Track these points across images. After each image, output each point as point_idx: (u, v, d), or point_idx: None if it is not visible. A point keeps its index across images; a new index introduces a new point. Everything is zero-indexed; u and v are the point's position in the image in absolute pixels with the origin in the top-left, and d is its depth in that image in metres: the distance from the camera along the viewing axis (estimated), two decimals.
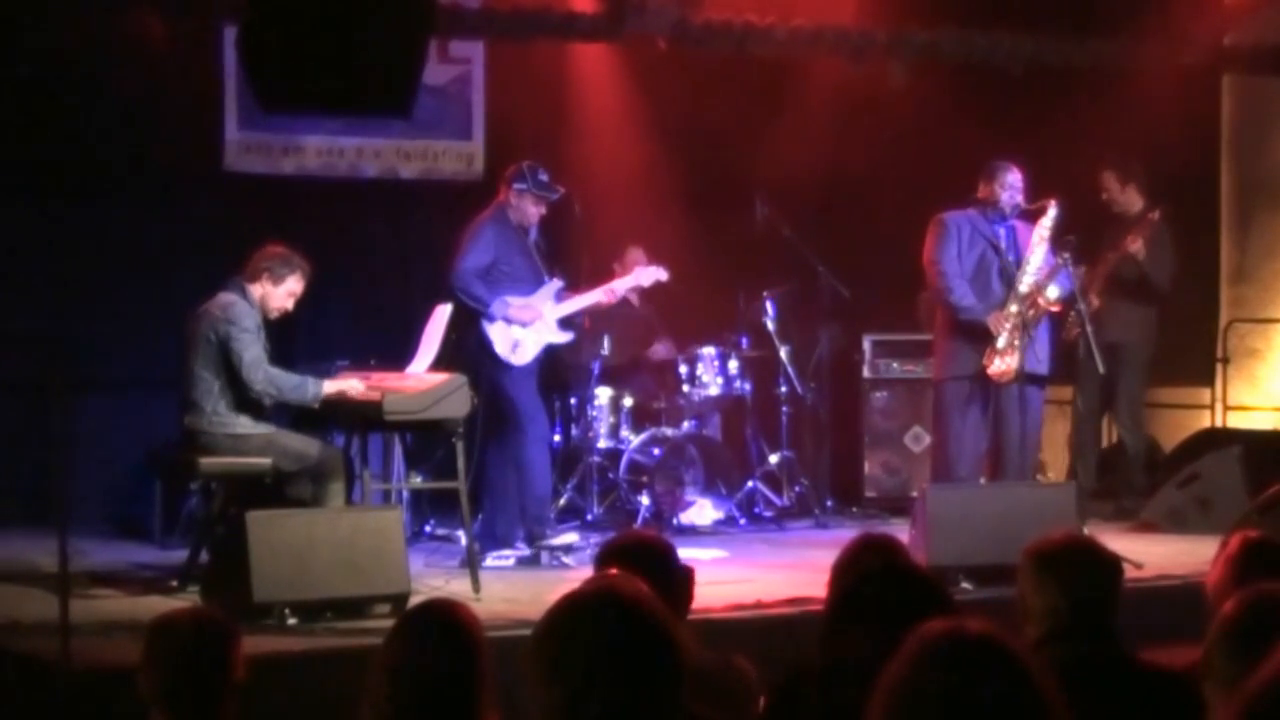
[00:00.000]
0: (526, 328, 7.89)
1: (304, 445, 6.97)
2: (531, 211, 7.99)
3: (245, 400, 6.91)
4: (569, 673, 2.34)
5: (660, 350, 9.58)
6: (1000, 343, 7.60)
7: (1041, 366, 7.78)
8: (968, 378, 7.73)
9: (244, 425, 6.88)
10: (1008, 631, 2.16)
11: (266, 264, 7.02)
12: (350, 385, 6.89)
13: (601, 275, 8.82)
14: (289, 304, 7.13)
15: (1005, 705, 2.03)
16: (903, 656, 2.09)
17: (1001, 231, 7.83)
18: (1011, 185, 7.76)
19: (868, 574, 3.18)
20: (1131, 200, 9.36)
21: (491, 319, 7.82)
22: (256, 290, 7.02)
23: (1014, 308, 7.61)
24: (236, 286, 7.00)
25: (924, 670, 2.05)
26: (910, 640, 2.10)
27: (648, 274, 8.73)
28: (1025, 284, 7.65)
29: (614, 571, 3.53)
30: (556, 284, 8.11)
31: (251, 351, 6.83)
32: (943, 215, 7.87)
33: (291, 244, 7.19)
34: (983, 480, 7.77)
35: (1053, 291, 7.63)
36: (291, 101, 5.59)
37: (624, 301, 9.61)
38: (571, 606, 2.43)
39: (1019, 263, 7.72)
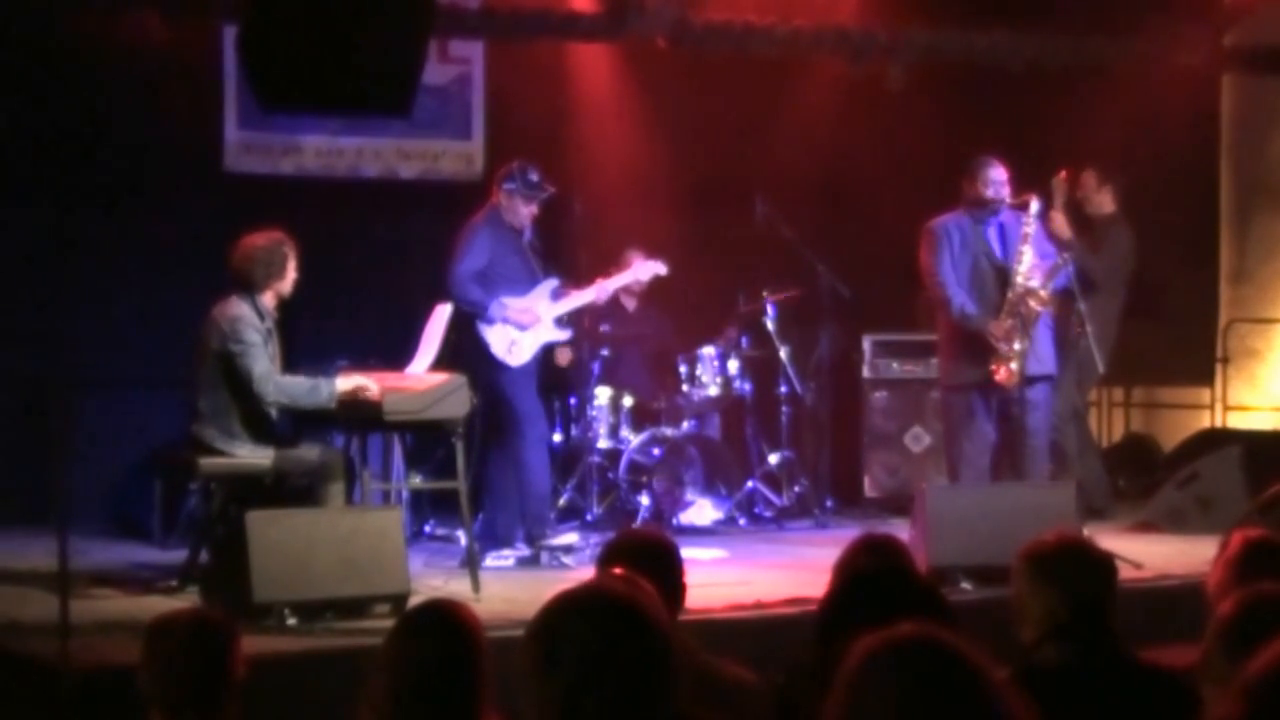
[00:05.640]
0: (524, 331, 7.88)
1: (304, 453, 6.96)
2: (524, 211, 7.95)
3: (252, 414, 6.85)
4: (561, 669, 2.35)
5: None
6: (1002, 350, 7.52)
7: (1043, 366, 7.74)
8: (970, 386, 7.68)
9: (247, 452, 6.85)
10: (952, 634, 2.16)
11: (263, 270, 6.92)
12: (365, 383, 6.81)
13: (601, 276, 8.79)
14: (295, 275, 7.06)
15: (954, 707, 2.04)
16: (847, 670, 2.10)
17: (993, 231, 7.72)
18: (994, 181, 7.62)
19: (859, 576, 3.18)
20: (1103, 202, 9.29)
21: (490, 322, 7.81)
22: (269, 299, 6.97)
23: (1008, 315, 7.52)
24: (247, 296, 6.91)
25: (870, 681, 2.06)
26: (852, 653, 2.11)
27: (646, 268, 8.72)
28: (1018, 285, 7.54)
29: (618, 572, 3.53)
30: (552, 282, 8.09)
31: (260, 365, 6.77)
32: (931, 224, 7.77)
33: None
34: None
35: (1047, 290, 7.54)
36: (291, 101, 5.59)
37: (627, 303, 9.62)
38: (564, 603, 2.44)
39: (1011, 262, 7.59)
